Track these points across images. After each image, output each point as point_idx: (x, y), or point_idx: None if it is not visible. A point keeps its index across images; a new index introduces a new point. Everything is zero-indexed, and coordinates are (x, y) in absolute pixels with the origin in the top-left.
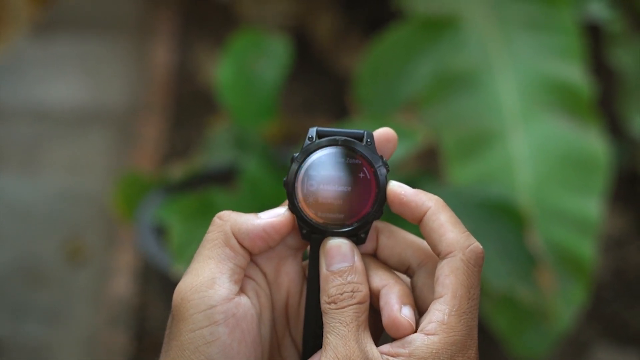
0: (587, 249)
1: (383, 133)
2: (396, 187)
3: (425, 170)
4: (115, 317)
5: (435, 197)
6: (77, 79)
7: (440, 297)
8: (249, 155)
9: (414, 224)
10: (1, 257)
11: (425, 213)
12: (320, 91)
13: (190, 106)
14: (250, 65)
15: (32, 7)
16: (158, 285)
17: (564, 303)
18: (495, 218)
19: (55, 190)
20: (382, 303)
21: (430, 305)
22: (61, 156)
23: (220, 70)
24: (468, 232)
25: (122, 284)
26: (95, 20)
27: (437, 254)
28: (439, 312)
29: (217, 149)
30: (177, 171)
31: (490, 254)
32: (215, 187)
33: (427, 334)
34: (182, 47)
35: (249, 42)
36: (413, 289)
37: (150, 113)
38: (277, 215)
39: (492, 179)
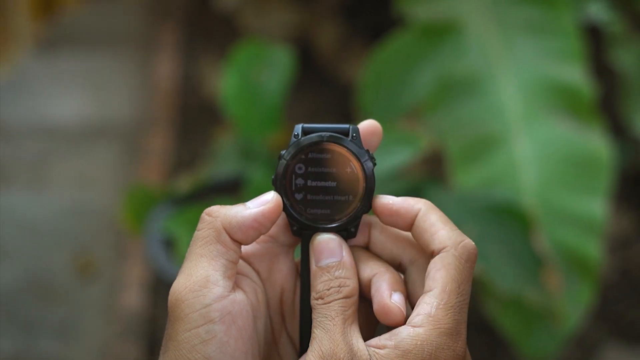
0: (593, 250)
1: (368, 126)
2: (383, 199)
3: (430, 176)
4: (126, 329)
5: (424, 200)
6: (83, 95)
7: (430, 290)
8: (254, 166)
9: (407, 231)
10: (12, 272)
11: (415, 216)
12: (324, 100)
13: (195, 118)
14: (254, 76)
15: (36, 24)
16: (168, 297)
17: (571, 304)
18: (501, 221)
19: (64, 205)
20: (373, 290)
21: (420, 299)
22: (69, 171)
23: (225, 82)
24: (459, 230)
25: (133, 296)
26: (99, 35)
27: (430, 253)
28: (427, 305)
29: (223, 160)
30: (184, 183)
31: (497, 256)
32: (221, 197)
33: (414, 326)
34: (186, 60)
35: (253, 53)
36: (405, 285)
37: (156, 126)
38: (266, 202)
39: (496, 183)
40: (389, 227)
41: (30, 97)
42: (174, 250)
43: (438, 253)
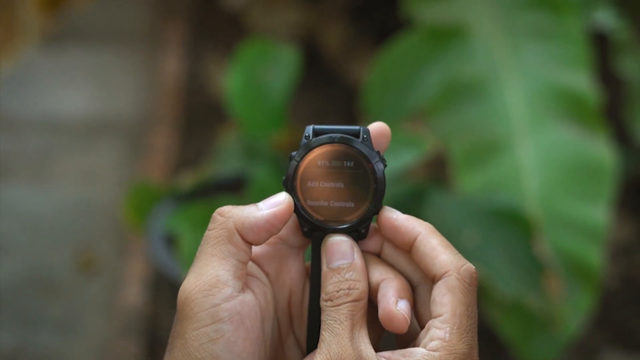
0: (595, 256)
1: (377, 128)
2: (388, 212)
3: (433, 179)
4: (127, 326)
5: (426, 223)
6: (88, 90)
7: (440, 315)
8: (258, 165)
9: (404, 250)
10: (14, 267)
11: (415, 238)
12: (329, 100)
13: (200, 116)
14: (259, 75)
15: (43, 19)
16: (169, 294)
17: (572, 310)
18: (504, 226)
19: (66, 201)
20: (379, 296)
21: (429, 323)
22: (72, 167)
23: (230, 80)
24: (460, 254)
25: (134, 293)
26: (105, 31)
27: (431, 278)
28: (440, 330)
29: (226, 159)
30: (188, 181)
31: (498, 261)
32: (225, 196)
33: (430, 350)
34: (192, 58)
35: (259, 52)
36: (414, 304)
37: (160, 123)
38: (278, 203)
39: (500, 187)
40: None
41: (35, 91)
42: (176, 247)
43: (440, 278)
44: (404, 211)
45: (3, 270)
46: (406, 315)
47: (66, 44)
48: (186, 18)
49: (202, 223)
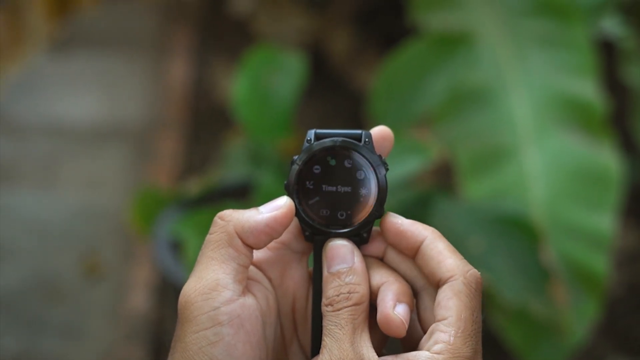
0: (600, 264)
1: (379, 132)
2: (393, 217)
3: (439, 185)
4: (133, 331)
5: (431, 227)
6: (95, 96)
7: (444, 319)
8: (264, 170)
9: (409, 256)
10: (19, 272)
11: (421, 243)
12: (335, 107)
13: (206, 122)
14: (265, 81)
15: (50, 24)
16: (175, 299)
17: (578, 317)
18: (509, 233)
19: (73, 206)
20: (378, 299)
21: (433, 326)
22: (79, 172)
23: (236, 86)
24: (465, 260)
25: (139, 298)
26: (112, 37)
27: (436, 282)
28: (444, 334)
29: (233, 164)
30: (194, 186)
31: (504, 268)
32: (231, 202)
33: (434, 353)
34: (199, 64)
35: (265, 59)
36: (417, 311)
37: (167, 129)
38: (279, 207)
39: (506, 195)
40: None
41: (43, 97)
42: (182, 253)
43: (446, 282)
44: (410, 217)
45: (9, 274)
46: (403, 320)
47: (73, 50)
48: (193, 24)
49: (208, 229)
